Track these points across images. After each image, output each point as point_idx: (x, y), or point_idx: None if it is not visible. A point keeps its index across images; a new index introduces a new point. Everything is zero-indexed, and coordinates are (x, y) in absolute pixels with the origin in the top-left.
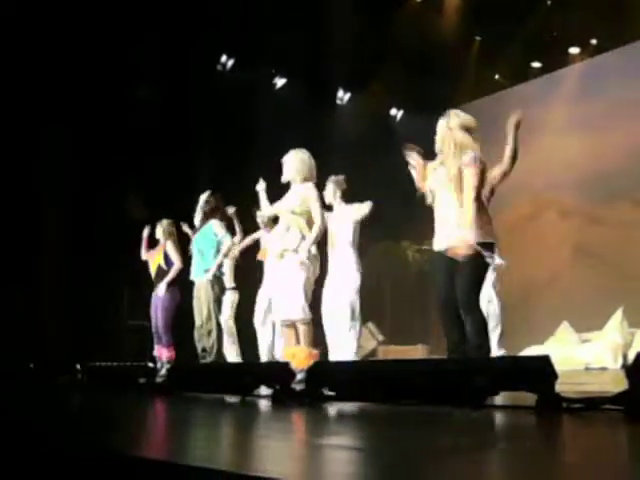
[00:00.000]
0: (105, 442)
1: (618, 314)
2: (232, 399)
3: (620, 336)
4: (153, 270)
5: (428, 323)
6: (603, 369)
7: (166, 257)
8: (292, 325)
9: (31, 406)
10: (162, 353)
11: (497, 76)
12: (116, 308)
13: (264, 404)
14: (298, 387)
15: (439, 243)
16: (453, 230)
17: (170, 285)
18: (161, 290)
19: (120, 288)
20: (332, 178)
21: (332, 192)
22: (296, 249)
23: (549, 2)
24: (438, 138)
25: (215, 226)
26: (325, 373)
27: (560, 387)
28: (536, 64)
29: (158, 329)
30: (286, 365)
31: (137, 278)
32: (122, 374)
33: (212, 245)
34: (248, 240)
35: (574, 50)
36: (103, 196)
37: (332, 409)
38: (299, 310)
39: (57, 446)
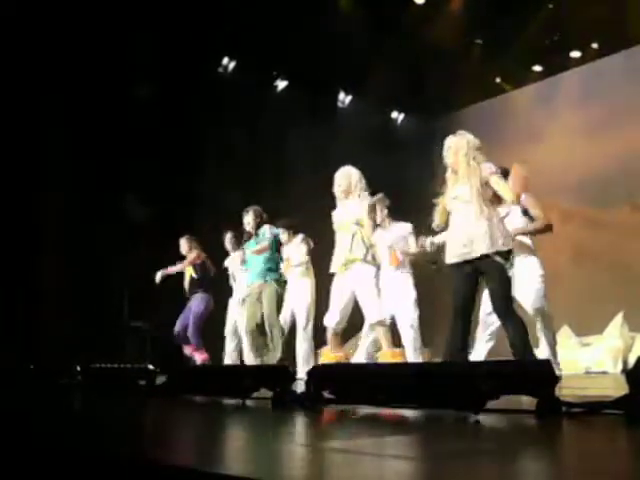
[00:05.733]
0: (105, 444)
1: (618, 318)
2: (232, 402)
3: (620, 340)
4: (185, 282)
5: (430, 326)
6: (603, 373)
7: (195, 267)
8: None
9: (31, 407)
10: (194, 355)
11: (498, 79)
12: (116, 309)
13: (265, 407)
14: (298, 390)
15: (462, 255)
16: (480, 239)
17: (204, 291)
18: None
19: (120, 289)
20: (375, 198)
21: (380, 211)
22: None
23: (550, 6)
24: (453, 155)
25: (267, 230)
26: (325, 376)
27: (560, 391)
28: (537, 68)
29: (188, 332)
30: (286, 368)
31: (137, 279)
32: (122, 376)
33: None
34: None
35: (575, 54)
36: (103, 197)
37: (333, 412)
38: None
39: (56, 448)
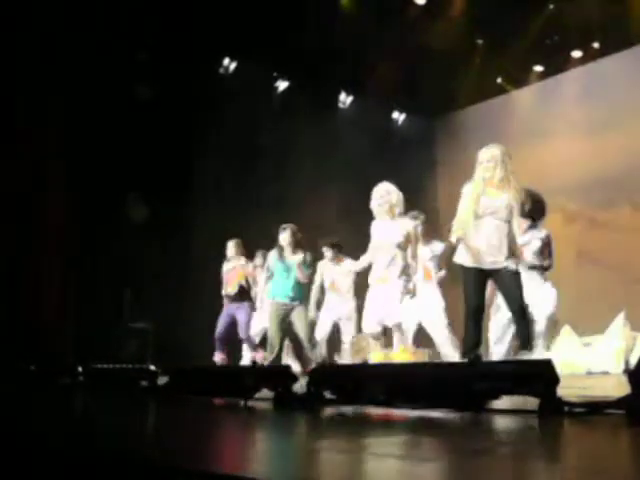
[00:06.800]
0: (105, 444)
1: (620, 318)
2: (234, 402)
3: (622, 340)
4: (233, 288)
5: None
6: (605, 373)
7: (247, 277)
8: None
9: (32, 408)
10: (255, 356)
11: (499, 79)
12: (117, 310)
13: (266, 407)
14: (300, 390)
15: (484, 261)
16: (499, 250)
17: (249, 301)
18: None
19: (121, 290)
20: (412, 214)
21: (418, 228)
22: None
23: (551, 6)
24: (494, 169)
25: (306, 257)
26: (327, 376)
27: (562, 391)
28: (538, 68)
29: (244, 341)
30: (287, 368)
31: (138, 280)
32: (123, 376)
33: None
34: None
35: (576, 54)
36: (104, 197)
37: (333, 412)
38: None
39: (56, 448)
